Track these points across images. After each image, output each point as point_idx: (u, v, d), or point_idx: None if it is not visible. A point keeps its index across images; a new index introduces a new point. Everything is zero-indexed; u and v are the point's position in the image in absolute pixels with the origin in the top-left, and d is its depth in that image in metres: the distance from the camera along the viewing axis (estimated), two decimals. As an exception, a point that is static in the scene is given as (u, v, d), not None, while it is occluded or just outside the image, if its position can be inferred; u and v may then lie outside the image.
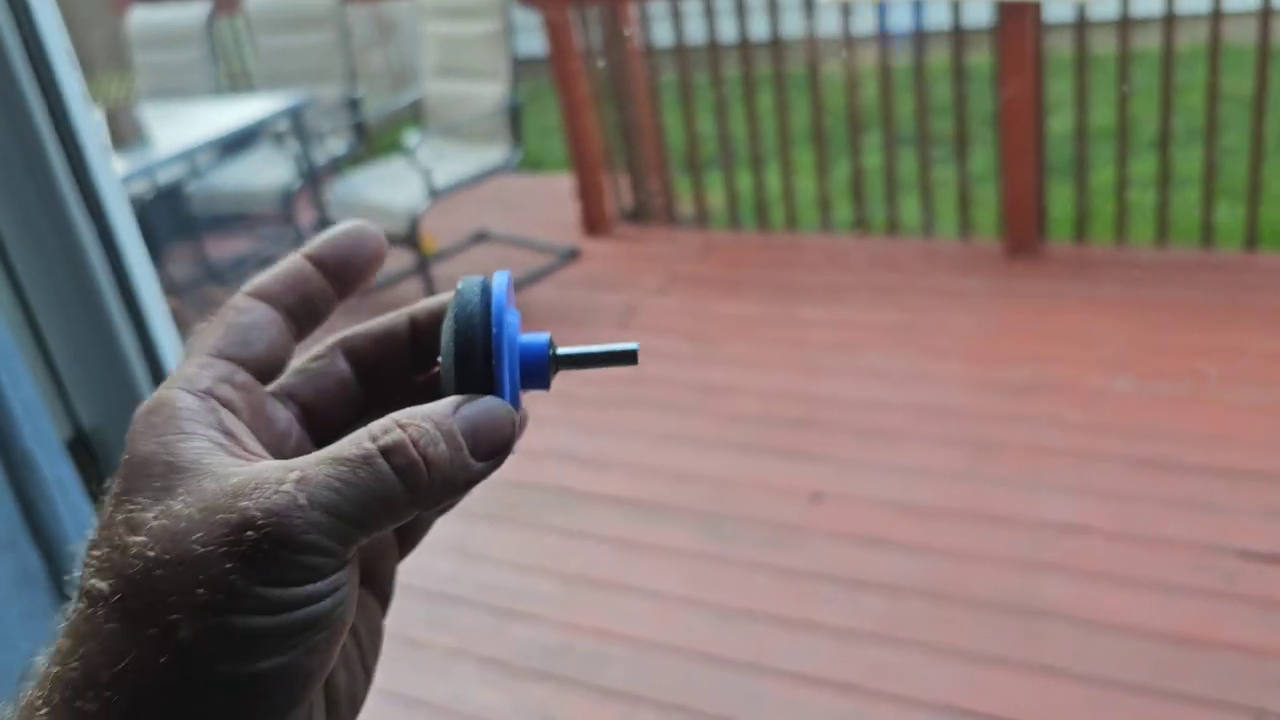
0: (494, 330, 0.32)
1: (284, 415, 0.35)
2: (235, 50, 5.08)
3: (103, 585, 0.28)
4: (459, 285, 0.33)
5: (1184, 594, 1.97)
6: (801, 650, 1.99)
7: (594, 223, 3.88)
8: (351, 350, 0.37)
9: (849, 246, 3.63)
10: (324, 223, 3.77)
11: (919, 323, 3.05)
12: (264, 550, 0.28)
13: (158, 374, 0.64)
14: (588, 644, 2.08)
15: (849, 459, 2.52)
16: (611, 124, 3.84)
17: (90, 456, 0.64)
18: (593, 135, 3.80)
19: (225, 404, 0.32)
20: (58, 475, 0.58)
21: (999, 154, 3.19)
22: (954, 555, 2.16)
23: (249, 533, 0.28)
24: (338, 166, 4.13)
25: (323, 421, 0.36)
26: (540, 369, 0.35)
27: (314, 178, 3.80)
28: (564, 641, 2.09)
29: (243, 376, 0.33)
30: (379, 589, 0.37)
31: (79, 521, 0.59)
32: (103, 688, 0.27)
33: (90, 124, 0.64)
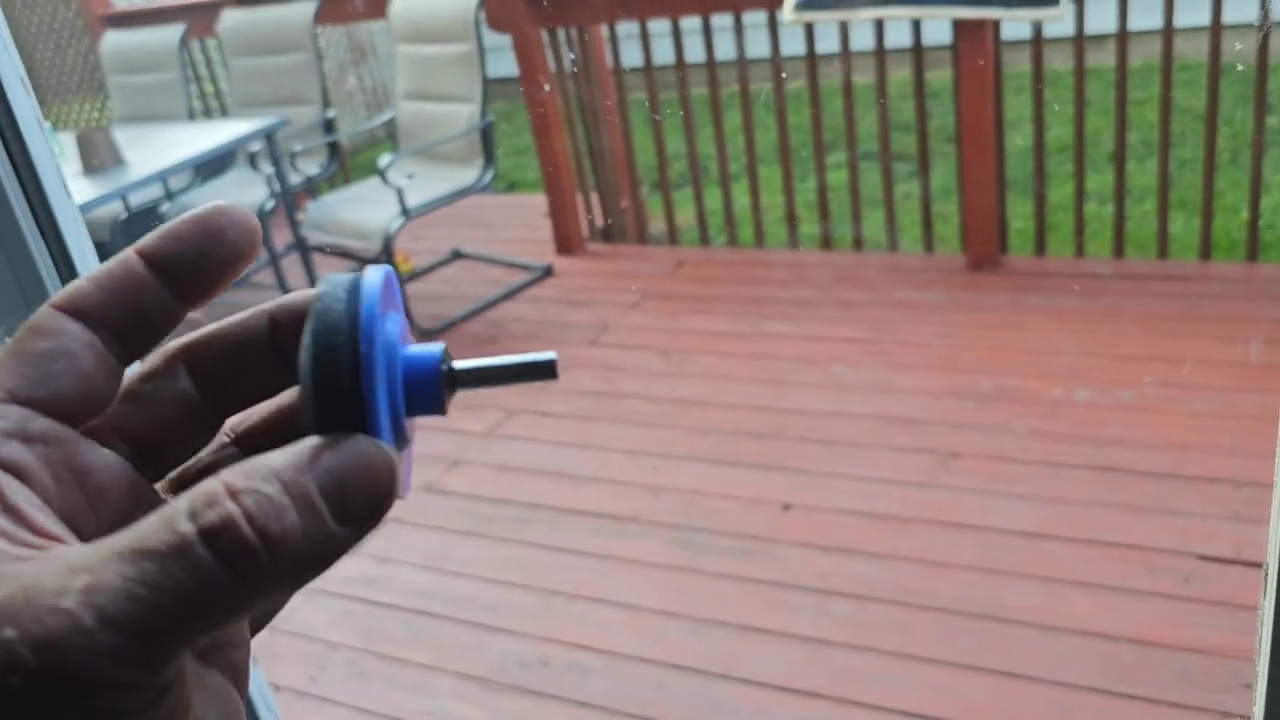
0: (362, 346, 0.25)
1: (106, 463, 0.27)
2: (209, 73, 5.10)
3: None
4: (320, 286, 0.26)
5: (1145, 597, 2.01)
6: (772, 659, 2.02)
7: (567, 241, 3.91)
8: (196, 363, 0.29)
9: (816, 262, 3.68)
10: (298, 243, 3.79)
11: (884, 336, 3.10)
12: (36, 699, 0.20)
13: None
14: (564, 657, 2.10)
15: (816, 470, 2.55)
16: (583, 144, 3.88)
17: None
18: (564, 155, 3.83)
19: (10, 468, 0.24)
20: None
21: (960, 169, 3.24)
22: (920, 563, 2.20)
23: (12, 678, 0.20)
24: (312, 188, 4.16)
25: (163, 459, 0.29)
26: (429, 390, 0.27)
27: (288, 199, 3.82)
28: (541, 654, 2.11)
29: (41, 425, 0.25)
30: (229, 666, 0.28)
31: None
32: None
33: (46, 152, 0.65)
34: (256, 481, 0.23)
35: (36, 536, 0.23)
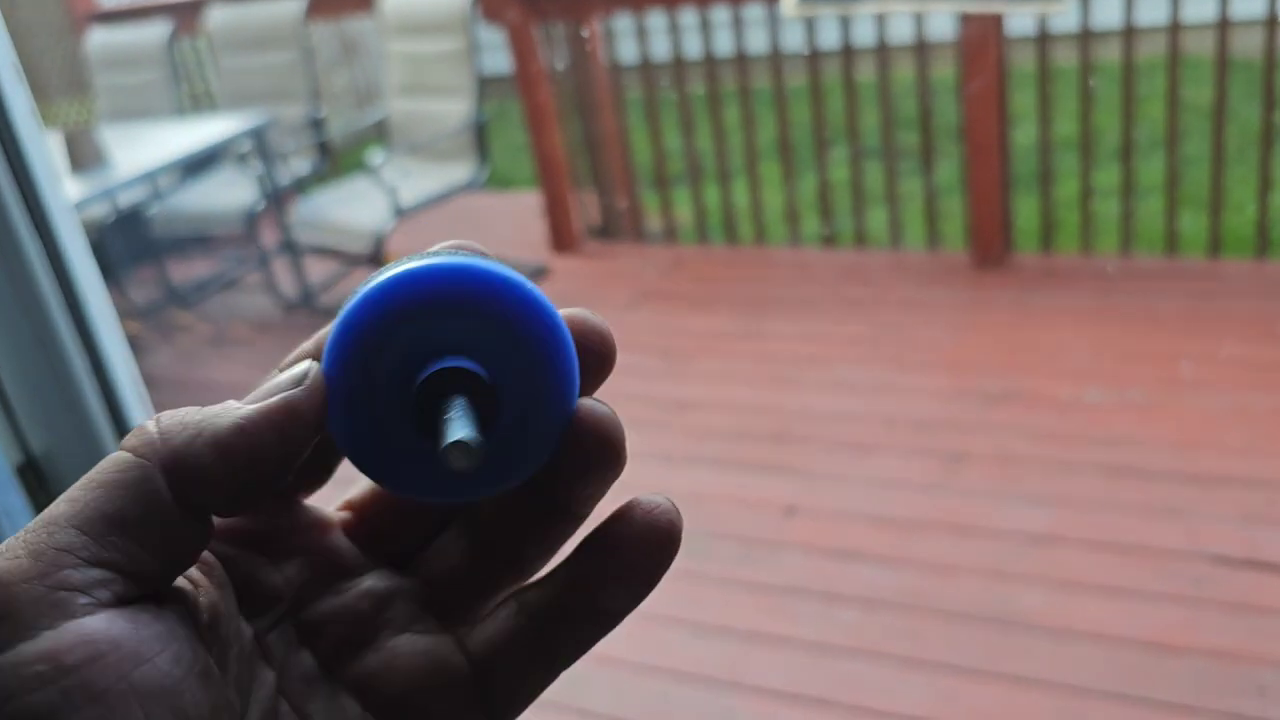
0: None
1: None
2: (197, 70, 5.04)
3: None
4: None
5: (1157, 600, 1.97)
6: (777, 665, 1.97)
7: (562, 240, 3.87)
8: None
9: (818, 260, 3.64)
10: (288, 244, 3.74)
11: (888, 335, 3.06)
12: None
13: (109, 396, 0.61)
14: (564, 665, 2.05)
15: (821, 472, 2.51)
16: (578, 141, 3.84)
17: (39, 481, 0.62)
18: (559, 152, 3.79)
19: None
20: (6, 504, 0.56)
21: (964, 166, 3.21)
22: (928, 567, 2.16)
23: None
24: (302, 186, 4.10)
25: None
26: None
27: (278, 198, 3.77)
28: (539, 663, 2.07)
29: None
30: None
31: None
32: None
33: (39, 142, 0.62)
34: None
35: None
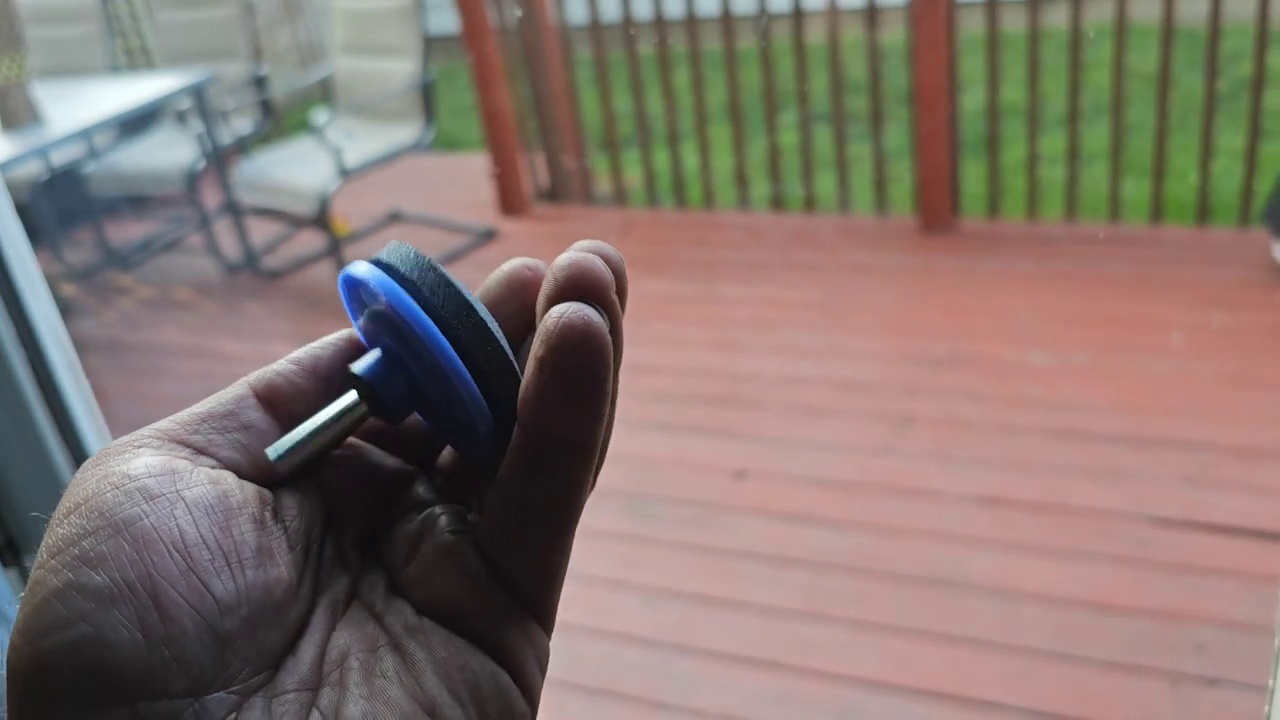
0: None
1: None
2: (133, 25, 4.89)
3: None
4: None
5: (1101, 562, 2.01)
6: (728, 629, 1.98)
7: (510, 202, 3.82)
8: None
9: (767, 223, 3.63)
10: (230, 205, 3.65)
11: (837, 299, 3.06)
12: None
13: (35, 358, 0.58)
14: (513, 630, 2.04)
15: (771, 436, 2.52)
16: (526, 101, 3.78)
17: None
18: (507, 113, 3.73)
19: None
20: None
21: (913, 131, 3.21)
22: (877, 530, 2.17)
23: None
24: (244, 146, 4.01)
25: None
26: None
27: (219, 158, 3.68)
28: (488, 628, 2.05)
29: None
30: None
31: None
32: None
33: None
34: None
35: None
